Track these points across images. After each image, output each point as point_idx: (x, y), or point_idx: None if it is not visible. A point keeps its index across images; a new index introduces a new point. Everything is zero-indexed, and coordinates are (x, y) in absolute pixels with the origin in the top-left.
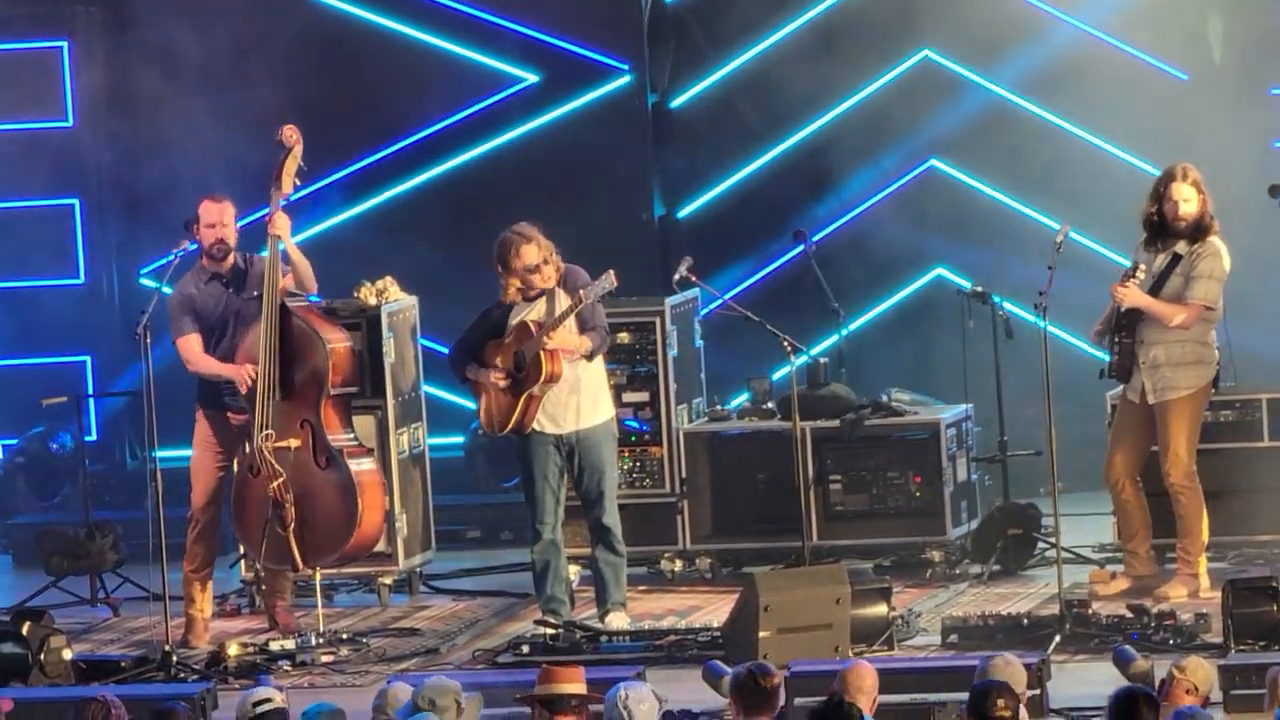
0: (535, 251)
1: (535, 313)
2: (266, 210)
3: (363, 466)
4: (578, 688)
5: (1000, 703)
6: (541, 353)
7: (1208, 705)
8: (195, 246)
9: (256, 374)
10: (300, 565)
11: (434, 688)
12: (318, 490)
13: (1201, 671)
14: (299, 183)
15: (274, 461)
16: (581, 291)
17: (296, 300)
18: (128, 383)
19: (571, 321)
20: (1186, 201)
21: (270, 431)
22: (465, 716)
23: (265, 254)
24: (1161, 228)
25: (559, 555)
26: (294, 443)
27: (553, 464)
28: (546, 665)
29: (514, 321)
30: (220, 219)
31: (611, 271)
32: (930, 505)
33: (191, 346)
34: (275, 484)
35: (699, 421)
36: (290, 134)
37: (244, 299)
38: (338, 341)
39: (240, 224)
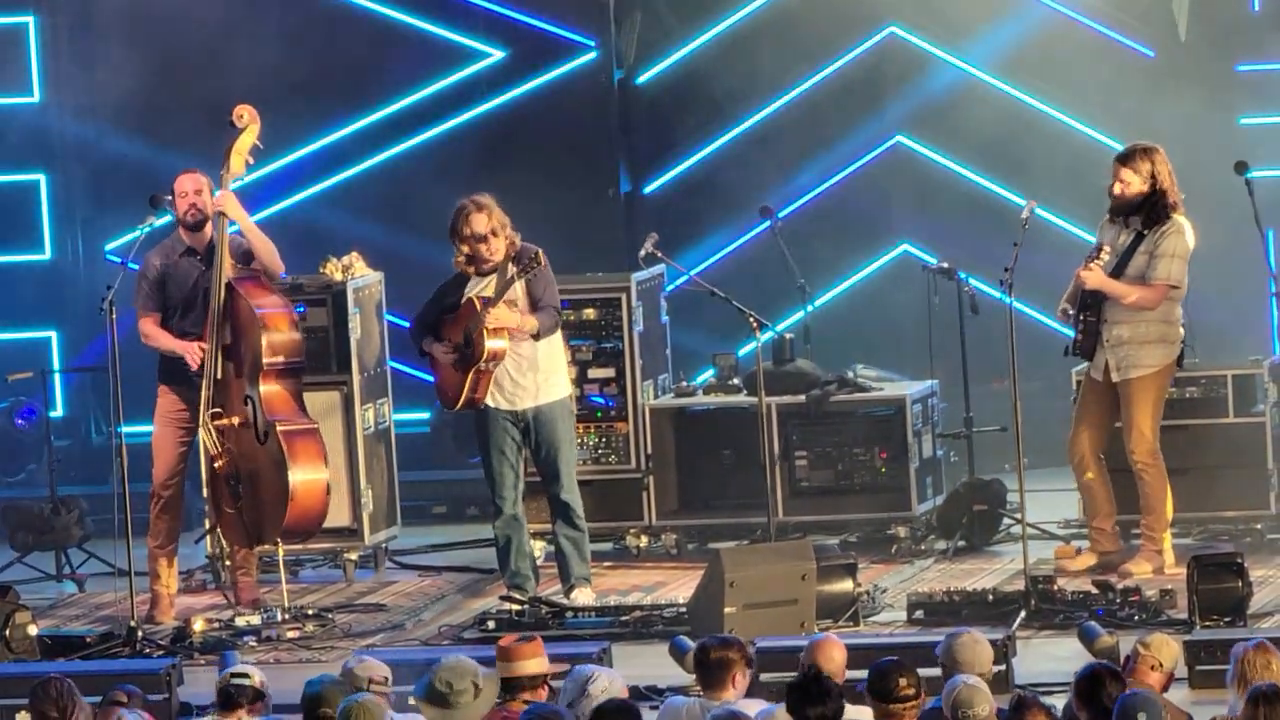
0: (484, 221)
1: (487, 289)
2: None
3: (296, 439)
4: (538, 664)
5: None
6: (484, 329)
7: (1172, 681)
8: (165, 219)
9: (202, 355)
10: (252, 542)
11: (451, 670)
12: (260, 466)
13: (1167, 649)
14: (252, 162)
15: (218, 439)
16: (511, 267)
17: (247, 275)
18: (93, 358)
19: (522, 300)
20: (1125, 184)
21: (217, 409)
22: (482, 697)
23: (233, 231)
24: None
25: (521, 530)
26: (235, 420)
27: (508, 439)
28: (502, 644)
29: (465, 297)
30: (194, 188)
31: (540, 250)
32: (896, 481)
33: (148, 321)
34: (220, 463)
35: (665, 397)
36: (242, 113)
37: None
38: (276, 317)
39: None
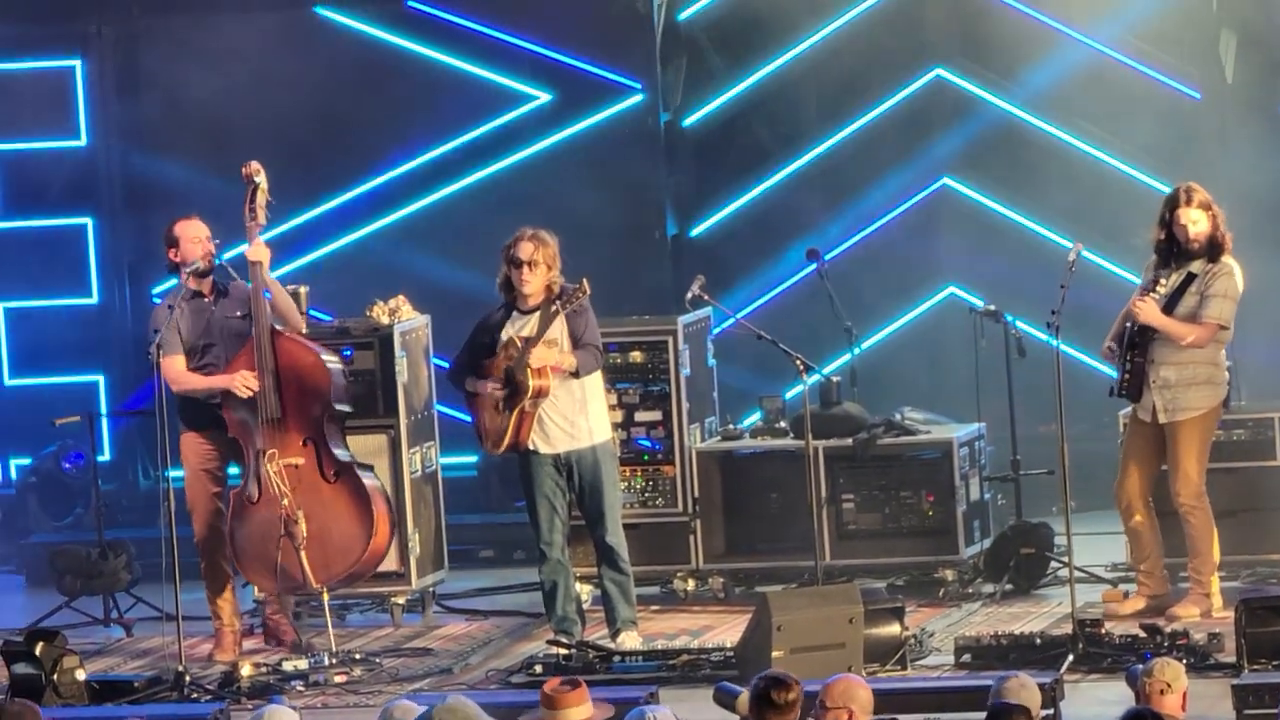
0: (529, 249)
1: (527, 329)
2: (244, 244)
3: (369, 478)
4: (583, 711)
5: None
6: (528, 367)
7: (1187, 699)
8: (195, 267)
9: (254, 380)
10: (313, 583)
11: (451, 711)
12: (327, 504)
13: (1169, 669)
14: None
15: (283, 480)
16: (556, 305)
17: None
18: (140, 402)
19: (565, 340)
20: (1195, 224)
21: (273, 451)
22: None
23: (249, 284)
24: (1172, 250)
25: (567, 575)
26: (299, 460)
27: (552, 484)
28: (547, 690)
29: (504, 338)
30: (205, 234)
31: (585, 279)
32: (943, 524)
33: (175, 365)
34: (286, 502)
35: (712, 440)
36: (259, 169)
37: (228, 316)
38: (333, 361)
39: (230, 252)
